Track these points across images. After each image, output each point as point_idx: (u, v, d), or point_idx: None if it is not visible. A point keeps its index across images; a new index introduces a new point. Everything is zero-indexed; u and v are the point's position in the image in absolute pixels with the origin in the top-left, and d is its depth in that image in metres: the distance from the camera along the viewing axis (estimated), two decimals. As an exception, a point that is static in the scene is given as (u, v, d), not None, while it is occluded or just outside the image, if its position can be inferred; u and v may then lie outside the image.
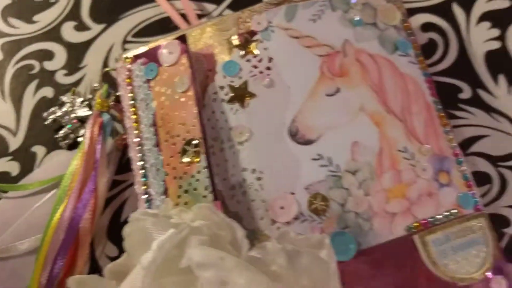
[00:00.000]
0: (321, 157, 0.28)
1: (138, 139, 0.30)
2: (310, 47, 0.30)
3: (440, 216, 0.27)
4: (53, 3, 0.39)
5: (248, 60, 0.30)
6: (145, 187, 0.29)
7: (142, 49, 0.31)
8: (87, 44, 0.38)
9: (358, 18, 0.31)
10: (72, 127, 0.33)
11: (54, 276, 0.28)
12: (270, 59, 0.30)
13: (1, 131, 0.36)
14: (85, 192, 0.29)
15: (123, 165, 0.33)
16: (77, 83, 0.36)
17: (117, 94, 0.32)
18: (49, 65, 0.37)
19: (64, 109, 0.34)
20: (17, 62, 0.37)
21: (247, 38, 0.30)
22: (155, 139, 0.29)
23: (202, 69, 0.30)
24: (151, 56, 0.31)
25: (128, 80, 0.31)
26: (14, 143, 0.35)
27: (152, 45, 0.31)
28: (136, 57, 0.31)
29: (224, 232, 0.24)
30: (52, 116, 0.34)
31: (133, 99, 0.30)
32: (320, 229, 0.27)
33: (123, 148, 0.33)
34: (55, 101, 0.35)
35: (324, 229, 0.27)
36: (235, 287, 0.21)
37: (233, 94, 0.29)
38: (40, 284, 0.28)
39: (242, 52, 0.30)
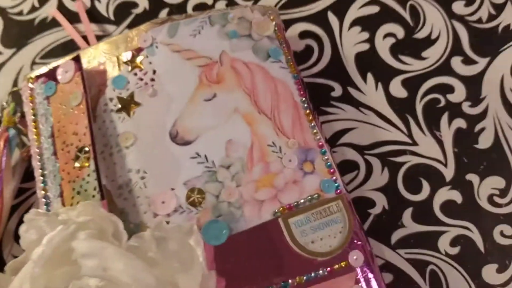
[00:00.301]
0: (198, 155, 0.32)
1: (38, 150, 0.33)
2: (190, 59, 0.34)
3: (303, 200, 0.31)
4: None
5: (135, 74, 0.34)
6: (44, 191, 0.32)
7: (43, 69, 0.35)
8: None
9: (234, 31, 0.35)
10: None
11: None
12: (154, 72, 0.34)
13: None
14: (-9, 200, 0.32)
15: (30, 175, 0.36)
16: None
17: (23, 111, 0.36)
18: None
19: None
20: None
21: (134, 54, 0.34)
22: (53, 149, 0.33)
23: (94, 84, 0.34)
24: (50, 76, 0.34)
25: (30, 98, 0.34)
26: None
27: (52, 65, 0.35)
28: (38, 76, 0.35)
29: (107, 226, 0.28)
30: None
31: (35, 114, 0.34)
32: (196, 218, 0.30)
33: (29, 159, 0.36)
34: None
35: (200, 218, 0.30)
36: (114, 272, 0.25)
37: (120, 105, 0.33)
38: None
39: (130, 67, 0.34)
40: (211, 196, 0.31)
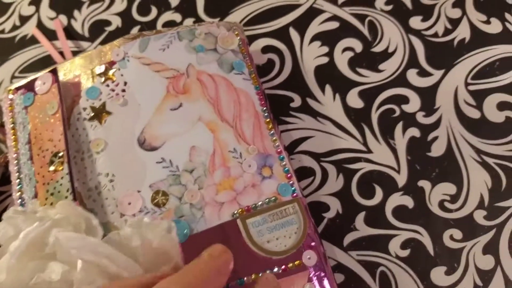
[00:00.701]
0: (164, 160, 0.34)
1: (15, 155, 0.35)
2: (159, 71, 0.36)
3: (261, 203, 0.33)
4: None
5: (107, 85, 0.36)
6: (19, 193, 0.34)
7: (23, 81, 0.38)
8: None
9: (200, 45, 0.37)
10: None
11: None
12: (125, 83, 0.36)
13: None
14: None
15: (6, 179, 0.39)
16: None
17: (3, 121, 0.39)
18: None
19: None
20: None
21: (107, 67, 0.37)
22: (29, 154, 0.35)
23: (70, 95, 0.36)
24: (29, 87, 0.37)
25: (10, 108, 0.37)
26: None
27: (30, 78, 0.37)
28: (17, 88, 0.37)
29: (80, 222, 0.30)
30: None
31: (13, 122, 0.36)
32: (160, 219, 0.32)
33: (5, 165, 0.38)
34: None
35: (163, 218, 0.32)
36: (103, 253, 0.26)
37: (93, 114, 0.35)
38: None
39: (103, 79, 0.36)
40: (175, 198, 0.33)
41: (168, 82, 0.36)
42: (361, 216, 0.36)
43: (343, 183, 0.37)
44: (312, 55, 0.42)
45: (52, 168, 0.34)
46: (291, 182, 0.34)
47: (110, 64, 0.37)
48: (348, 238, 0.36)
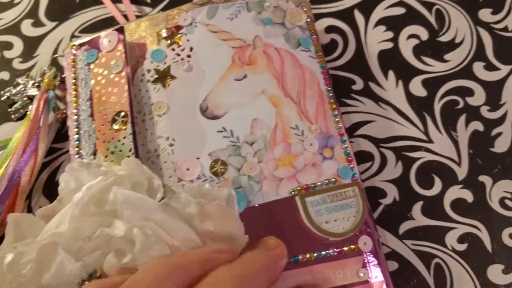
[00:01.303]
0: (225, 129, 0.33)
1: (75, 111, 0.35)
2: (225, 40, 0.36)
3: (320, 183, 0.32)
4: (16, 4, 0.46)
5: (172, 49, 0.36)
6: (77, 149, 0.34)
7: (86, 38, 0.37)
8: (42, 37, 0.44)
9: (269, 18, 0.37)
10: (22, 103, 0.39)
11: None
12: (191, 49, 0.36)
13: None
14: (26, 153, 0.34)
15: (61, 136, 0.39)
16: (29, 69, 0.42)
17: (63, 76, 0.38)
18: (8, 54, 0.44)
19: (18, 88, 0.40)
20: None
21: (174, 31, 0.36)
22: (90, 111, 0.35)
23: (134, 56, 0.36)
24: (93, 44, 0.37)
25: (72, 63, 0.37)
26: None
27: (94, 35, 0.37)
28: (81, 44, 0.37)
29: (142, 181, 0.29)
30: (7, 94, 0.40)
31: (75, 78, 0.36)
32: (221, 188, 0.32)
33: (62, 121, 0.39)
34: (10, 83, 0.41)
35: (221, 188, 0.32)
36: (152, 224, 0.26)
37: (157, 76, 0.35)
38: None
39: (168, 42, 0.36)
40: (233, 169, 0.33)
41: (234, 52, 0.35)
42: (418, 206, 0.36)
43: (401, 171, 0.37)
44: (376, 39, 0.41)
45: (115, 126, 0.33)
46: (351, 165, 0.34)
47: (177, 29, 0.36)
48: (404, 227, 0.35)
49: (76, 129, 0.35)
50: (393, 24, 0.42)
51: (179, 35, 0.36)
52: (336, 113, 0.35)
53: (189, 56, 0.35)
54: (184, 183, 0.32)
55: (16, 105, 0.39)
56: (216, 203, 0.28)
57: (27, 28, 0.45)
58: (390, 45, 0.41)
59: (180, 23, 0.36)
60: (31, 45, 0.44)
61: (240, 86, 0.35)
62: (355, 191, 0.33)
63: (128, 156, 0.32)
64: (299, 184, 0.32)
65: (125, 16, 0.42)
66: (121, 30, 0.36)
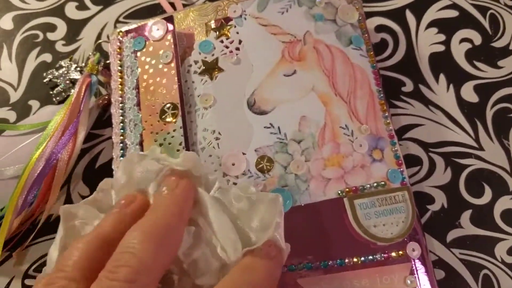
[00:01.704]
0: (272, 126, 0.32)
1: (120, 98, 0.35)
2: (275, 34, 0.35)
3: (369, 186, 0.31)
4: None
5: (221, 41, 0.35)
6: (122, 137, 0.34)
7: (133, 25, 0.37)
8: (85, 21, 0.44)
9: (320, 14, 0.36)
10: (64, 86, 0.39)
11: (29, 201, 0.33)
12: (240, 41, 0.35)
13: (5, 86, 0.41)
14: (65, 136, 0.34)
15: (102, 122, 0.38)
16: (72, 52, 0.42)
17: (107, 62, 0.38)
18: (51, 36, 0.43)
19: (61, 71, 0.40)
20: (25, 31, 0.44)
21: (223, 23, 0.35)
22: (136, 100, 0.34)
23: (182, 46, 0.35)
24: (141, 31, 0.36)
25: (118, 50, 0.36)
26: (14, 96, 0.41)
27: (142, 22, 0.37)
28: (128, 31, 0.36)
29: (200, 176, 0.28)
30: (50, 76, 0.40)
31: (121, 65, 0.36)
32: (263, 185, 0.31)
33: (103, 107, 0.38)
34: (53, 65, 0.41)
35: (266, 185, 0.31)
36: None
37: (204, 68, 0.34)
38: (16, 206, 0.32)
39: (217, 34, 0.35)
40: (280, 166, 0.32)
41: (284, 47, 0.35)
42: (467, 214, 0.34)
43: (450, 177, 0.35)
44: (427, 41, 0.40)
45: (165, 119, 0.33)
46: (401, 169, 0.33)
47: (226, 20, 0.35)
48: (452, 235, 0.34)
49: (121, 117, 0.34)
50: (446, 27, 0.40)
51: (228, 27, 0.35)
52: (386, 114, 0.34)
53: (237, 49, 0.35)
54: (229, 178, 0.32)
55: (58, 88, 0.39)
56: (267, 202, 0.27)
57: (71, 10, 0.44)
58: (441, 48, 0.40)
59: (230, 15, 0.36)
60: (75, 28, 0.43)
61: (289, 82, 0.34)
62: (405, 195, 0.32)
63: (178, 150, 0.32)
64: (347, 185, 0.31)
65: (172, 5, 0.41)
66: (170, 19, 0.36)
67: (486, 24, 0.40)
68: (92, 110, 0.37)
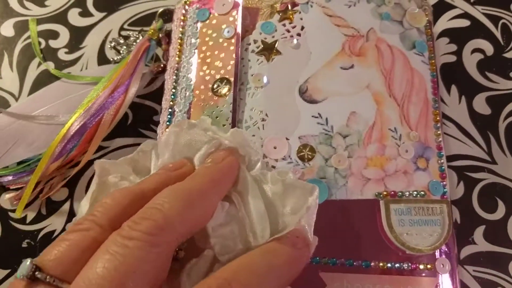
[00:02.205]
0: (320, 116, 0.32)
1: (176, 65, 0.35)
2: (339, 26, 0.34)
3: (408, 193, 0.31)
4: None
5: (283, 25, 0.35)
6: (171, 103, 0.34)
7: (200, -4, 0.37)
8: (89, 28, 0.42)
9: (387, 13, 0.35)
10: (124, 55, 0.39)
11: (68, 149, 0.34)
12: (302, 28, 0.34)
13: (5, 95, 0.39)
14: (117, 92, 0.34)
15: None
16: (75, 60, 0.40)
17: (167, 29, 0.38)
18: (53, 43, 0.41)
19: (127, 41, 0.40)
20: (26, 38, 0.42)
21: (288, 7, 0.35)
22: (191, 69, 0.34)
23: (244, 23, 0.35)
24: (207, 3, 0.36)
25: (182, 18, 0.36)
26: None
27: (209, -7, 0.37)
28: (194, 2, 0.37)
29: (245, 155, 0.28)
30: (114, 43, 0.40)
31: (182, 33, 0.36)
32: (302, 173, 0.31)
33: (156, 73, 0.38)
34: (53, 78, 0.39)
35: (305, 173, 0.31)
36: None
37: (262, 48, 0.34)
38: (54, 151, 0.33)
39: (280, 16, 0.35)
40: (321, 158, 0.31)
41: (345, 40, 0.34)
42: (480, 230, 0.34)
43: (463, 192, 0.35)
44: (439, 51, 0.39)
45: (217, 92, 0.33)
46: (444, 182, 0.32)
47: (292, 5, 0.35)
48: (465, 251, 0.33)
49: (174, 84, 0.35)
50: (457, 37, 0.39)
51: (293, 12, 0.35)
52: (438, 125, 0.33)
53: (298, 34, 0.34)
54: (268, 161, 0.31)
55: (119, 56, 0.40)
56: (303, 189, 0.27)
57: (74, 17, 0.42)
58: (453, 58, 0.39)
59: (297, 0, 0.35)
60: (78, 35, 0.42)
61: (345, 75, 0.33)
62: (443, 209, 0.31)
63: (224, 125, 0.32)
64: (386, 188, 0.31)
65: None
66: (237, -5, 0.36)
67: (498, 34, 0.39)
68: (145, 74, 0.38)
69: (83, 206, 0.27)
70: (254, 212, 0.25)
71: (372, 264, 0.29)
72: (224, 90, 0.33)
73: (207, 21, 0.36)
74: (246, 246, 0.25)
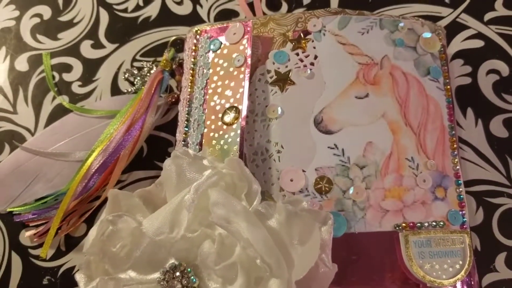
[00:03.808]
0: (336, 147, 0.32)
1: (189, 97, 0.35)
2: (352, 54, 0.34)
3: (427, 224, 0.31)
4: (76, 23, 0.44)
5: (296, 54, 0.35)
6: (185, 135, 0.34)
7: (211, 26, 0.37)
8: (102, 60, 0.42)
9: (401, 40, 0.35)
10: (139, 86, 0.40)
11: (89, 187, 0.34)
12: (316, 57, 0.34)
13: (22, 131, 0.40)
14: (134, 127, 0.35)
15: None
16: (89, 93, 0.41)
17: (180, 59, 0.39)
18: (67, 77, 0.42)
19: (140, 72, 0.40)
20: (40, 73, 0.42)
21: (301, 36, 0.35)
22: (203, 100, 0.34)
23: (256, 53, 0.35)
24: (217, 33, 0.36)
25: (194, 48, 0.36)
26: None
27: (219, 24, 0.37)
28: (204, 32, 0.37)
29: (243, 184, 0.29)
30: (127, 75, 0.40)
31: (194, 64, 0.36)
32: (319, 205, 0.31)
33: (171, 104, 0.39)
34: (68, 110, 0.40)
35: (323, 206, 0.31)
36: (237, 227, 0.26)
37: (276, 78, 0.34)
38: (76, 190, 0.34)
39: (293, 45, 0.35)
40: (338, 190, 0.31)
41: (360, 68, 0.34)
42: (502, 257, 0.34)
43: (483, 218, 0.35)
44: (454, 74, 0.39)
45: (225, 120, 0.33)
46: (463, 211, 0.32)
47: (305, 33, 0.35)
48: (487, 279, 0.33)
49: (187, 116, 0.35)
50: (472, 58, 0.39)
51: (305, 40, 0.35)
52: (455, 153, 0.33)
53: (312, 64, 0.34)
54: (285, 194, 0.31)
55: (133, 88, 0.40)
56: (306, 218, 0.27)
57: (86, 49, 0.43)
58: (468, 80, 0.39)
59: (309, 29, 0.35)
60: (91, 68, 0.42)
61: (361, 104, 0.33)
62: (464, 239, 0.31)
63: (232, 154, 0.32)
64: (404, 220, 0.31)
65: (252, 9, 0.41)
66: (248, 24, 0.36)
67: None
68: (160, 106, 0.38)
69: (91, 233, 0.29)
70: (256, 242, 0.25)
71: (392, 297, 0.29)
72: (233, 118, 0.32)
73: (219, 51, 0.36)
74: (258, 275, 0.26)
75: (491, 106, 0.38)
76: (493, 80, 0.39)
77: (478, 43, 0.40)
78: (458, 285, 0.30)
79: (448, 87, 0.35)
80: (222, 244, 0.27)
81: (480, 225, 0.35)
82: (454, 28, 0.41)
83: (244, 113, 0.32)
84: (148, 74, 0.39)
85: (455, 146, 0.33)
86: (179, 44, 0.41)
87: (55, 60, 0.42)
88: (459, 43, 0.40)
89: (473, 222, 0.35)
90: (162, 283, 0.27)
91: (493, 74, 0.39)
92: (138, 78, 0.40)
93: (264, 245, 0.26)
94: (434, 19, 0.41)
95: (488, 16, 0.41)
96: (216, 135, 0.33)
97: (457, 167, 0.33)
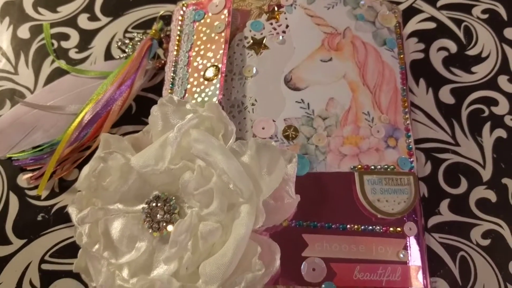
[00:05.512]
0: (303, 101, 0.37)
1: (175, 59, 0.40)
2: (319, 25, 0.39)
3: (380, 167, 0.35)
4: None
5: (270, 23, 0.40)
6: (170, 91, 0.38)
7: (196, 0, 0.42)
8: (97, 31, 0.47)
9: (361, 15, 0.40)
10: (129, 52, 0.44)
11: (81, 136, 0.38)
12: (287, 26, 0.39)
13: (22, 89, 0.44)
14: (124, 86, 0.39)
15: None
16: (85, 59, 0.45)
17: (167, 30, 0.43)
18: (65, 44, 0.46)
19: (132, 41, 0.45)
20: (40, 40, 0.47)
21: (275, 9, 0.40)
22: (187, 61, 0.39)
23: (235, 23, 0.40)
24: (202, 6, 0.41)
25: (180, 18, 0.41)
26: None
27: (204, -2, 0.42)
28: (190, 4, 0.42)
29: (220, 126, 0.33)
30: (120, 43, 0.45)
31: (180, 31, 0.41)
32: (287, 149, 0.35)
33: (158, 69, 0.43)
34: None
35: (289, 150, 0.35)
36: (214, 158, 0.30)
37: (252, 43, 0.39)
38: (70, 138, 0.38)
39: (268, 16, 0.40)
40: (303, 137, 0.36)
41: (325, 37, 0.39)
42: (445, 203, 0.39)
43: (430, 170, 0.40)
44: (409, 49, 0.45)
45: (207, 75, 0.37)
46: (411, 159, 0.36)
47: (278, 7, 0.40)
48: (432, 221, 0.38)
49: (172, 75, 0.39)
50: (425, 37, 0.46)
51: (279, 12, 0.40)
52: (406, 110, 0.38)
53: (284, 32, 0.39)
54: (257, 140, 0.36)
55: (124, 54, 0.44)
56: (276, 151, 0.31)
57: (83, 21, 0.47)
58: (421, 55, 0.45)
59: (282, 3, 0.40)
60: (87, 37, 0.47)
61: (325, 67, 0.38)
62: (410, 180, 0.35)
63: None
64: (360, 163, 0.35)
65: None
66: (229, -1, 0.41)
67: (461, 34, 0.46)
68: (148, 70, 0.42)
69: (84, 170, 0.32)
70: (229, 170, 0.29)
71: (348, 227, 0.33)
72: (213, 74, 0.37)
73: (202, 20, 0.40)
74: (231, 200, 0.30)
75: (441, 77, 0.44)
76: (443, 56, 0.45)
77: (431, 25, 0.46)
78: (405, 218, 0.34)
79: (402, 56, 0.40)
80: (201, 174, 0.31)
81: (428, 176, 0.40)
82: (410, 12, 0.47)
83: (222, 69, 0.37)
84: (138, 43, 0.44)
85: (406, 105, 0.38)
86: (167, 19, 0.45)
87: (54, 30, 0.47)
88: (414, 24, 0.46)
89: (422, 173, 0.40)
90: (146, 210, 0.31)
91: (443, 51, 0.45)
92: (130, 46, 0.44)
93: (237, 173, 0.30)
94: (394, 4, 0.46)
95: (440, 2, 0.47)
96: (198, 90, 0.37)
97: (407, 122, 0.37)
